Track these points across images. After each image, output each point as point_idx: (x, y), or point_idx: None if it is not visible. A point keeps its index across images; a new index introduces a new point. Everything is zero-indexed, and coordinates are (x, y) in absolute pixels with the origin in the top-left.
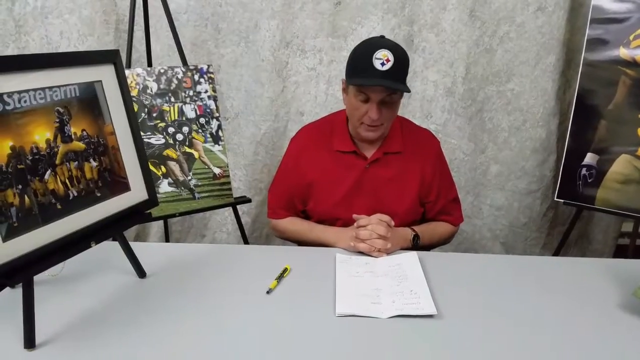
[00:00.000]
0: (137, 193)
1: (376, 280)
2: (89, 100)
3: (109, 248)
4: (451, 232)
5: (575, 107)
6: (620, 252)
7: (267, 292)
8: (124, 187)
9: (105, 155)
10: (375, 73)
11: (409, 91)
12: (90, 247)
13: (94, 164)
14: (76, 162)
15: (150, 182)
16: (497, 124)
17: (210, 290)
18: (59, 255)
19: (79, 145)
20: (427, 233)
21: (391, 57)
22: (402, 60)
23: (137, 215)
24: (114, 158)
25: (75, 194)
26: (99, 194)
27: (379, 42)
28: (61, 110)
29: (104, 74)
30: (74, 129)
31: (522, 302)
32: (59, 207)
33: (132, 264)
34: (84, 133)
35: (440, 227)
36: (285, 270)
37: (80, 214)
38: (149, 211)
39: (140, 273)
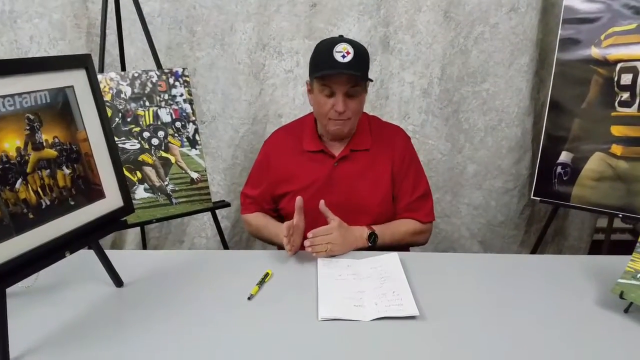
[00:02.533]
0: (112, 200)
1: (359, 282)
2: (61, 107)
3: (85, 257)
4: (420, 230)
5: (550, 106)
6: (596, 247)
7: (249, 298)
8: (99, 194)
9: (78, 163)
10: (337, 65)
11: (371, 80)
12: (65, 257)
13: (67, 171)
14: (48, 170)
15: (126, 188)
16: (473, 124)
17: (189, 298)
18: (32, 266)
19: (51, 152)
20: (387, 230)
21: (351, 50)
22: (361, 53)
23: (113, 222)
24: (88, 165)
25: (48, 202)
26: (72, 202)
27: (338, 39)
28: (31, 117)
29: (76, 79)
30: (46, 136)
31: (501, 300)
32: (31, 216)
33: (109, 273)
34: (56, 140)
35: (403, 225)
36: (266, 275)
37: (54, 223)
38: (124, 218)
39: (117, 282)
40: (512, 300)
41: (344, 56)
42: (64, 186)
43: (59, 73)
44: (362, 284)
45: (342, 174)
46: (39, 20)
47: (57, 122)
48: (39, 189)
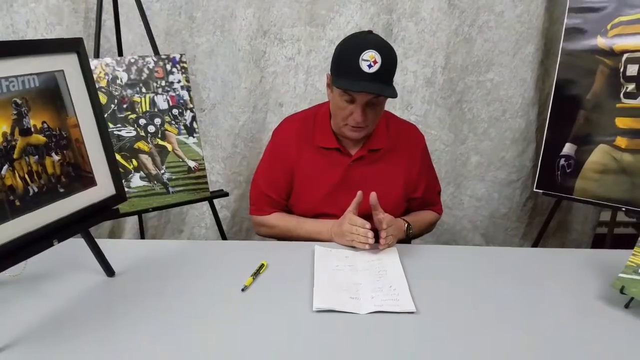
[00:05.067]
0: (103, 188)
1: (356, 274)
2: (50, 91)
3: (76, 245)
4: (436, 220)
5: (554, 97)
6: (599, 241)
7: (242, 290)
8: (90, 182)
9: (68, 149)
10: (362, 75)
11: (395, 96)
12: (53, 245)
13: (56, 158)
14: (36, 157)
15: (118, 176)
16: (477, 115)
17: (182, 289)
18: (18, 254)
19: (39, 138)
20: (417, 223)
21: (378, 59)
22: (389, 61)
23: (104, 211)
24: (78, 152)
25: (36, 190)
26: (61, 190)
27: (366, 41)
28: (19, 101)
29: (67, 63)
30: (34, 122)
31: (501, 294)
32: (17, 204)
33: (100, 262)
34: (45, 125)
35: (427, 215)
36: (261, 266)
37: (41, 210)
38: (116, 207)
39: (109, 272)
40: (511, 294)
41: (370, 65)
42: (52, 173)
43: (49, 57)
44: (359, 276)
45: (357, 173)
46: (35, 5)
47: (46, 107)
48: (27, 176)
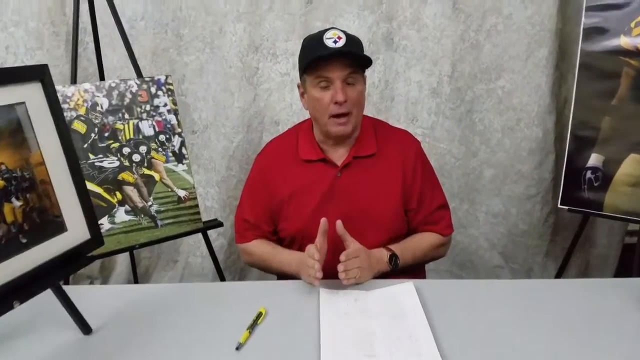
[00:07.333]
0: (76, 233)
1: (369, 322)
2: (9, 128)
3: (48, 298)
4: (441, 243)
5: (575, 103)
6: (628, 251)
7: (237, 348)
8: (58, 227)
9: (32, 192)
10: (330, 50)
11: (370, 60)
12: (13, 308)
13: (17, 203)
14: None
15: (93, 218)
16: (489, 125)
17: (167, 347)
18: None
19: None
20: (408, 250)
21: (342, 36)
22: (354, 39)
23: (77, 259)
24: (44, 194)
25: None
26: (24, 240)
27: (326, 29)
28: None
29: (29, 94)
30: None
31: (542, 339)
32: None
33: (74, 319)
34: (3, 167)
35: (424, 240)
36: (259, 315)
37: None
38: (91, 254)
39: (85, 329)
40: (554, 338)
41: (335, 42)
42: (12, 222)
43: (8, 88)
44: (373, 323)
45: (346, 184)
46: (14, 29)
47: (4, 147)
48: None
